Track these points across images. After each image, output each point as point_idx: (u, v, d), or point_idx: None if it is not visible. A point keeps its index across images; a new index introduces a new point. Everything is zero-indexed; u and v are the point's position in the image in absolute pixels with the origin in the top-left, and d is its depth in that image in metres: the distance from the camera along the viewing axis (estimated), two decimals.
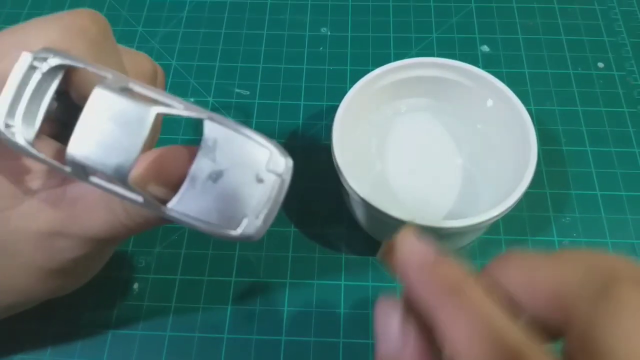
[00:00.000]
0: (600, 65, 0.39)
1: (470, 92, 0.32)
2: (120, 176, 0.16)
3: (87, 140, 0.16)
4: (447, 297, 0.15)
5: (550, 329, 0.14)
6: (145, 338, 0.30)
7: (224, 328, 0.30)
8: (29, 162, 0.20)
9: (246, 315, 0.30)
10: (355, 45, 0.40)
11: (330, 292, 0.31)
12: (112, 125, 0.16)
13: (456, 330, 0.14)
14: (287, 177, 0.18)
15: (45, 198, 0.20)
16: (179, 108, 0.17)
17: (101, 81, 0.17)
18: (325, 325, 0.30)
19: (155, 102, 0.17)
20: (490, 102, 0.32)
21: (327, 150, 0.29)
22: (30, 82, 0.17)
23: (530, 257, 0.15)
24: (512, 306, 0.15)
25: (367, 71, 0.31)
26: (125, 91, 0.17)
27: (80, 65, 0.18)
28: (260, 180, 0.17)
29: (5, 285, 0.22)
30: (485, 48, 0.40)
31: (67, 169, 0.17)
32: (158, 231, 0.33)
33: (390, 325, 0.16)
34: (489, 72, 0.31)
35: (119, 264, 0.32)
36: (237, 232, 0.17)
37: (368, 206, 0.27)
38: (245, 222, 0.17)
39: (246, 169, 0.17)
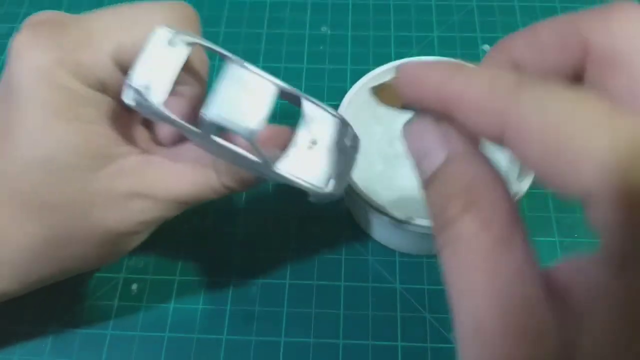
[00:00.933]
0: None
1: None
2: (251, 138, 0.19)
3: (222, 105, 0.19)
4: (453, 74, 0.14)
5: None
6: (144, 339, 0.30)
7: (223, 329, 0.30)
8: (124, 124, 0.22)
9: (245, 316, 0.30)
10: (355, 44, 0.40)
11: (330, 293, 0.31)
12: (244, 95, 0.19)
13: (470, 91, 0.14)
14: (358, 150, 0.23)
15: (134, 161, 0.22)
16: (284, 86, 0.20)
17: (231, 59, 0.20)
18: (325, 326, 0.30)
19: (269, 80, 0.20)
20: None
21: None
22: (166, 53, 0.20)
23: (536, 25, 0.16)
24: None
25: (368, 70, 0.31)
26: (247, 69, 0.20)
27: (207, 45, 0.21)
28: (342, 150, 0.22)
29: (62, 250, 0.22)
30: (487, 47, 0.40)
31: (195, 129, 0.20)
32: (157, 231, 0.33)
33: (427, 139, 0.15)
34: None
35: (117, 265, 0.32)
36: (327, 189, 0.21)
37: (368, 206, 0.27)
38: (332, 182, 0.22)
39: (333, 140, 0.22)
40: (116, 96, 0.22)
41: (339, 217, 0.33)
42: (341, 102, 0.30)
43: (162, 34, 0.20)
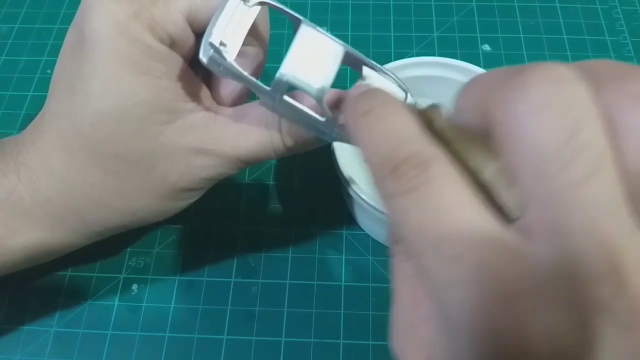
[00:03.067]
0: None
1: None
2: (319, 97, 0.19)
3: (296, 65, 0.19)
4: (362, 117, 0.15)
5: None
6: (144, 339, 0.29)
7: (224, 329, 0.30)
8: (190, 81, 0.23)
9: (246, 316, 0.30)
10: (355, 44, 0.39)
11: (330, 293, 0.31)
12: (315, 56, 0.20)
13: (362, 151, 0.15)
14: None
15: (200, 117, 0.22)
16: (349, 49, 0.21)
17: (303, 21, 0.20)
18: (326, 326, 0.30)
19: (337, 42, 0.21)
20: None
21: (328, 150, 0.29)
22: (239, 12, 0.20)
23: (472, 79, 0.15)
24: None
25: None
26: (318, 31, 0.20)
27: (277, 5, 0.22)
28: None
29: (126, 201, 0.23)
30: (487, 47, 0.40)
31: (266, 87, 0.20)
32: (157, 232, 0.33)
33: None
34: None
35: (117, 265, 0.32)
36: None
37: (368, 206, 0.27)
38: None
39: None
40: (184, 53, 0.22)
41: (339, 217, 0.33)
42: None
43: None
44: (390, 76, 0.22)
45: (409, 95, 0.22)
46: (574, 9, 0.42)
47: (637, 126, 0.12)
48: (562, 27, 0.41)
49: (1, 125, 0.37)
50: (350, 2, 0.43)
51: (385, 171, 0.14)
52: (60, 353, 0.29)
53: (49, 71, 0.39)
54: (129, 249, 0.32)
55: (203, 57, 0.20)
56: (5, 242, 0.23)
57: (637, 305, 0.11)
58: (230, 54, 0.20)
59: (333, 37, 0.21)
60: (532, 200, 0.12)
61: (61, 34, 0.41)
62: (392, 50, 0.40)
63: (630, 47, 0.40)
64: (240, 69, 0.20)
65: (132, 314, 0.30)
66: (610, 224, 0.11)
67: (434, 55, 0.39)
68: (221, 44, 0.20)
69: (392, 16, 0.42)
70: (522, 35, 0.40)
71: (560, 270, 0.11)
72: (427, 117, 0.16)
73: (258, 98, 0.22)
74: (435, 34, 0.41)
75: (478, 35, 0.40)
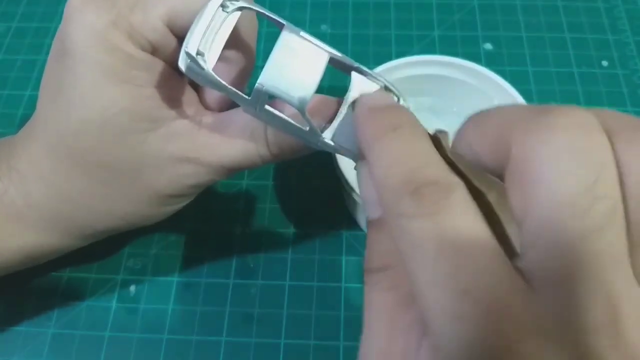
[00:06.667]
0: (605, 63, 0.39)
1: (473, 91, 0.31)
2: (300, 106, 0.19)
3: (276, 74, 0.19)
4: (379, 136, 0.15)
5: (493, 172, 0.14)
6: (142, 341, 0.29)
7: (222, 331, 0.29)
8: (173, 87, 0.22)
9: (245, 317, 0.30)
10: (355, 43, 0.40)
11: (330, 294, 0.30)
12: (296, 64, 0.19)
13: (378, 166, 0.15)
14: None
15: (184, 125, 0.22)
16: (336, 54, 0.20)
17: (285, 25, 0.19)
18: (325, 328, 0.29)
19: (322, 48, 0.20)
20: (494, 101, 0.31)
21: None
22: (217, 18, 0.20)
23: (484, 113, 0.15)
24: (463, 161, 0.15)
25: None
26: (301, 36, 0.19)
27: (258, 9, 0.21)
28: None
29: (114, 206, 0.23)
30: (488, 46, 0.40)
31: (245, 97, 0.20)
32: (154, 233, 0.32)
33: (369, 184, 0.17)
34: (491, 70, 0.31)
35: (115, 266, 0.31)
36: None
37: None
38: None
39: None
40: (167, 59, 0.22)
41: (339, 217, 0.33)
42: None
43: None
44: (381, 81, 0.21)
45: (401, 99, 0.22)
46: (576, 8, 0.42)
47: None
48: (564, 25, 0.41)
49: None
50: (350, 0, 0.42)
51: (404, 190, 0.14)
52: (58, 355, 0.29)
53: None
54: (126, 250, 0.32)
55: (181, 66, 0.20)
56: (1, 243, 0.23)
57: None
58: (209, 63, 0.19)
59: (317, 43, 0.20)
60: (540, 244, 0.12)
61: None
62: (393, 49, 0.39)
63: (633, 46, 0.39)
64: (218, 78, 0.20)
65: (129, 315, 0.30)
66: (615, 275, 0.11)
67: (435, 53, 0.38)
68: (198, 52, 0.19)
69: (392, 14, 0.41)
70: (524, 34, 0.40)
71: (563, 316, 0.12)
72: (436, 142, 0.16)
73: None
74: (436, 33, 0.40)
75: (479, 33, 0.40)
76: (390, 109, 0.17)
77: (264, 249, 0.32)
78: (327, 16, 0.41)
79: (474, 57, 0.36)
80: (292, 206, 0.33)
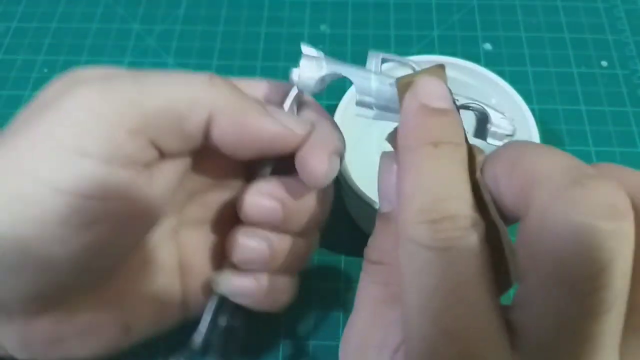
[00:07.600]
0: (604, 63, 0.39)
1: (472, 91, 0.31)
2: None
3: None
4: (418, 146, 0.15)
5: (509, 213, 0.15)
6: (141, 343, 0.29)
7: None
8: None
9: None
10: (355, 43, 0.40)
11: (330, 294, 0.30)
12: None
13: (408, 185, 0.15)
14: None
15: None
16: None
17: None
18: (325, 329, 0.29)
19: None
20: (493, 101, 0.31)
21: None
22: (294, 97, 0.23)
23: (519, 152, 0.15)
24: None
25: None
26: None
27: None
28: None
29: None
30: (488, 46, 0.40)
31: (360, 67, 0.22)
32: None
33: (389, 180, 0.17)
34: (491, 70, 0.31)
35: None
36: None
37: (368, 207, 0.27)
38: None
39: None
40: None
41: (339, 217, 0.33)
42: (340, 102, 0.30)
43: (295, 90, 0.23)
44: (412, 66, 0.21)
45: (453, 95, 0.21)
46: (576, 8, 0.42)
47: None
48: (564, 25, 0.41)
49: None
50: (350, 0, 0.42)
51: (423, 217, 0.14)
52: None
53: (45, 70, 0.39)
54: None
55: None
56: None
57: None
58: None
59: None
60: (537, 314, 0.13)
61: (58, 33, 0.41)
62: (393, 49, 0.39)
63: (632, 46, 0.39)
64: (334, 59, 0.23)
65: None
66: None
67: (434, 54, 0.39)
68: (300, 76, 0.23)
69: (392, 14, 0.41)
70: (523, 34, 0.40)
71: None
72: (470, 158, 0.15)
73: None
74: (435, 33, 0.40)
75: (479, 33, 0.40)
76: (440, 115, 0.15)
77: None
78: (326, 16, 0.41)
79: (474, 57, 0.36)
80: None
